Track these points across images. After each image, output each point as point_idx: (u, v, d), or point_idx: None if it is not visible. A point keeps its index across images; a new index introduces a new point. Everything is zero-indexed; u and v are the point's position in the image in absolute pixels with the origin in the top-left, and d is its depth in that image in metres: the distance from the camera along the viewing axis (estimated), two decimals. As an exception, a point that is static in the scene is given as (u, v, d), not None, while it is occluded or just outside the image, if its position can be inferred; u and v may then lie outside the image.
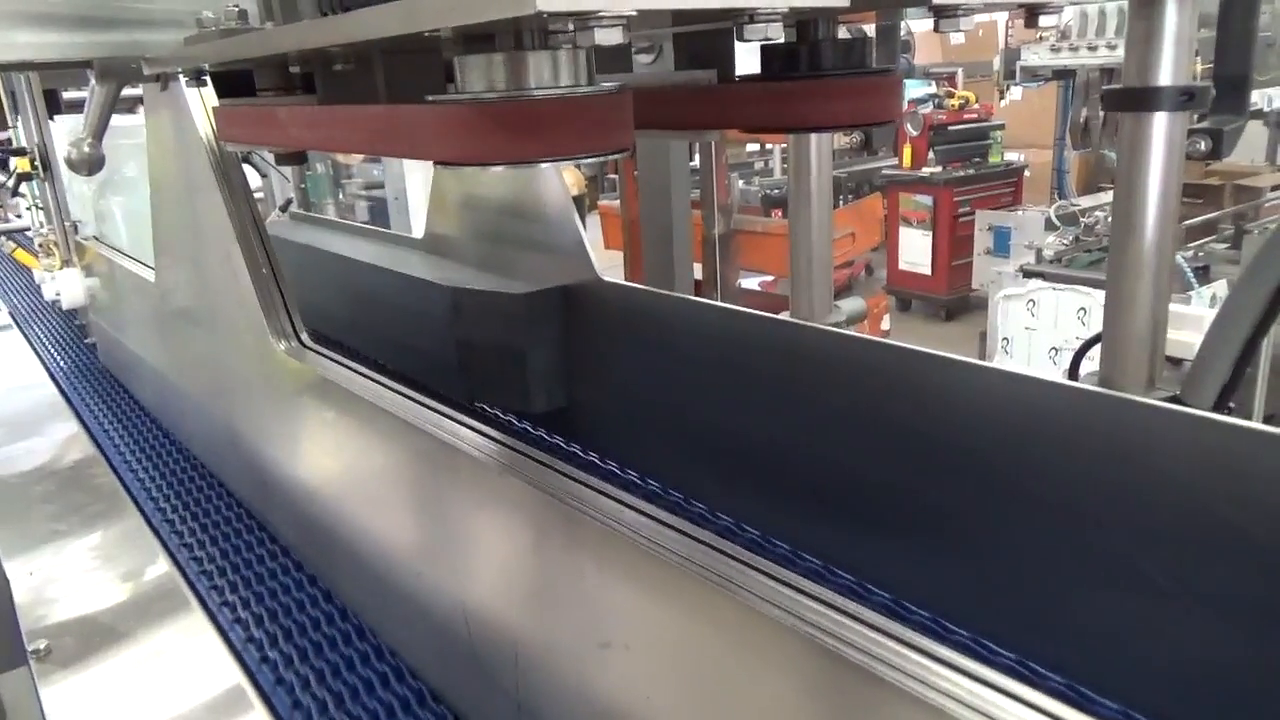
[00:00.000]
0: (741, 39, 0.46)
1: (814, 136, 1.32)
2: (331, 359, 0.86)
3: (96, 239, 1.68)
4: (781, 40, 0.58)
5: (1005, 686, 0.37)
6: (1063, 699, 0.36)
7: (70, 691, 0.83)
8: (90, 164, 0.99)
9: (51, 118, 1.49)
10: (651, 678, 0.52)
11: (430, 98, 0.53)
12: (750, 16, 0.44)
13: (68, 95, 1.93)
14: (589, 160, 0.52)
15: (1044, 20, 0.60)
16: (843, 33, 0.69)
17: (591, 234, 1.18)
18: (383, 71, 0.64)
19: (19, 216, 2.84)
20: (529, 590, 0.64)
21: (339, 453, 0.90)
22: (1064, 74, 3.94)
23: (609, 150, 0.52)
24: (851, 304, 1.34)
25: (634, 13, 0.38)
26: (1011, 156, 6.26)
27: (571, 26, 0.41)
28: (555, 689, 0.61)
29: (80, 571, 1.04)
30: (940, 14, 0.54)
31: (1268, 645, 0.61)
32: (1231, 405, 0.84)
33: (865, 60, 0.66)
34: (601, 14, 0.38)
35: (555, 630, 0.61)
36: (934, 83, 6.90)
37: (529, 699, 0.63)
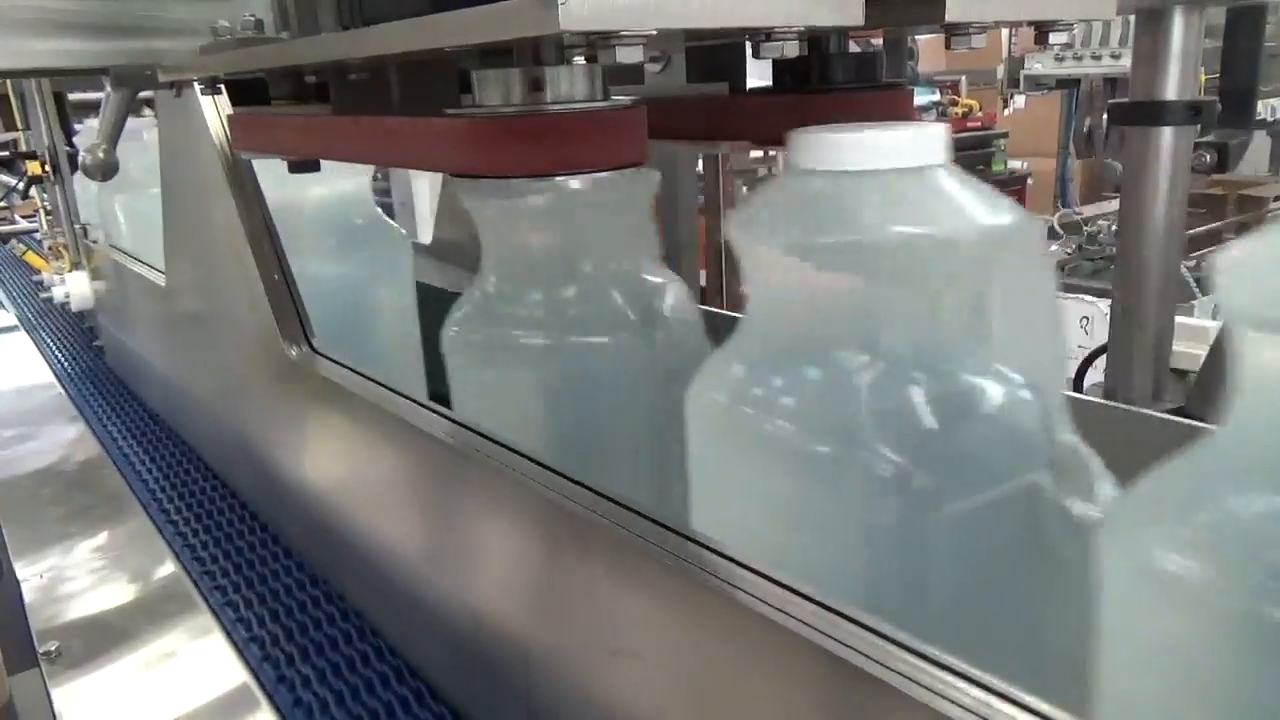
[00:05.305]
0: (758, 56, 0.47)
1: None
2: (343, 365, 0.87)
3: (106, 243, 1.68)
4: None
5: (1017, 698, 0.37)
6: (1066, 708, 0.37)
7: (82, 693, 0.83)
8: (104, 170, 1.00)
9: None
10: (664, 687, 0.53)
11: (448, 110, 0.54)
12: (767, 35, 0.45)
13: (73, 96, 1.95)
14: (604, 173, 0.52)
15: (1054, 37, 0.61)
16: (853, 46, 0.69)
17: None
18: (398, 82, 0.65)
19: (28, 218, 2.85)
20: (540, 596, 0.64)
21: (350, 458, 0.90)
22: (1068, 83, 3.95)
23: (624, 163, 0.53)
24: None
25: (655, 32, 0.39)
26: (1015, 165, 6.26)
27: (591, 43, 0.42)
28: (567, 696, 0.61)
29: (88, 573, 1.04)
30: (951, 31, 0.55)
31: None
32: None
33: (877, 74, 0.67)
34: (623, 33, 0.39)
35: (567, 637, 0.61)
36: (937, 90, 6.91)
37: (540, 705, 0.64)
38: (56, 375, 1.76)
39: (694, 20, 0.40)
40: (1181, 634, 0.37)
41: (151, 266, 1.36)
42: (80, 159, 1.04)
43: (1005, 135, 6.24)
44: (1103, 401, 0.78)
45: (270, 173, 0.92)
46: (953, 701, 0.37)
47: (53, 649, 0.89)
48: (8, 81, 2.12)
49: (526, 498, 0.62)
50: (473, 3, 0.44)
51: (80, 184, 1.75)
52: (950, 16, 0.49)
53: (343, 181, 1.13)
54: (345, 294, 1.11)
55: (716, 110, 0.72)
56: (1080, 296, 3.50)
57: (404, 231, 1.21)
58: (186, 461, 1.31)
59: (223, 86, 0.91)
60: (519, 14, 0.40)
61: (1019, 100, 5.64)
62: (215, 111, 0.95)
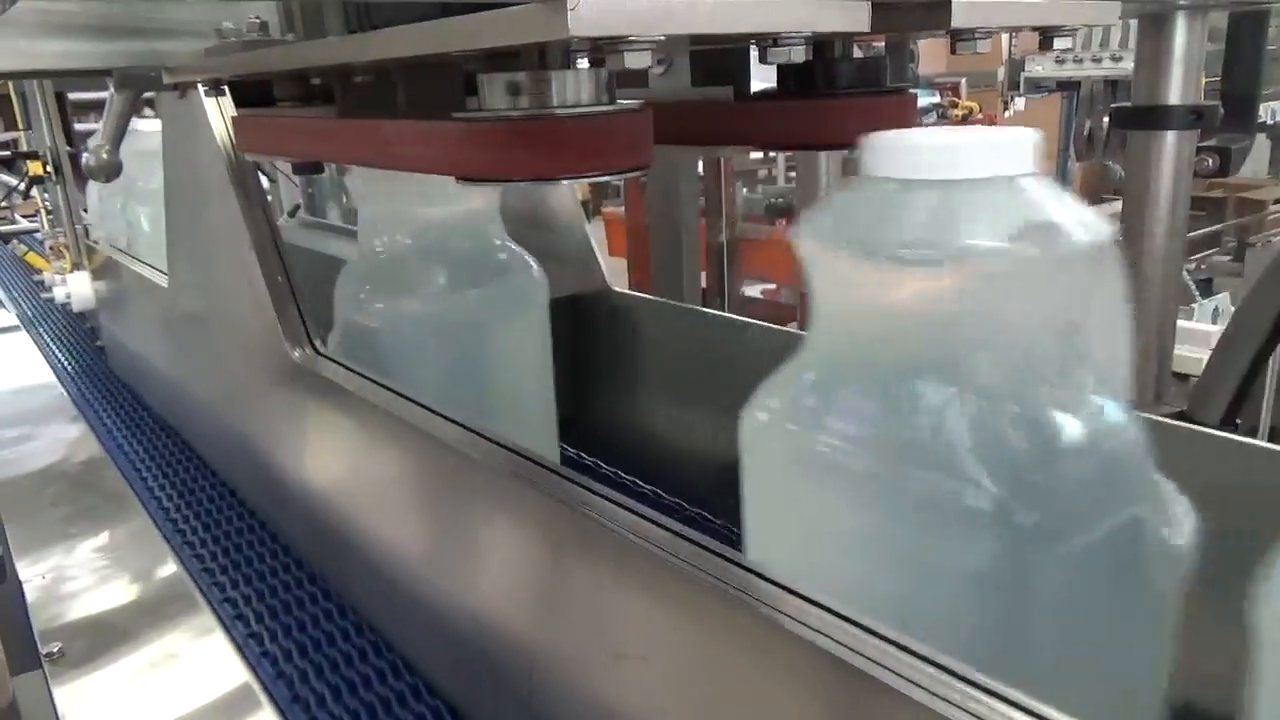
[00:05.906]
0: (765, 62, 0.47)
1: (823, 149, 1.33)
2: (346, 367, 0.87)
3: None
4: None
5: (1018, 700, 0.38)
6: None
7: (84, 693, 0.83)
8: (108, 171, 1.00)
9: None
10: (667, 689, 0.53)
11: (455, 114, 0.54)
12: (774, 40, 0.45)
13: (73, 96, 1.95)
14: (610, 178, 0.53)
15: (1057, 42, 0.61)
16: (857, 51, 0.70)
17: (594, 240, 1.19)
18: (403, 85, 0.65)
19: (29, 218, 2.85)
20: (544, 599, 0.64)
21: (352, 460, 0.90)
22: (1068, 85, 3.95)
23: (630, 168, 0.53)
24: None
25: (663, 38, 0.39)
26: (1015, 166, 6.26)
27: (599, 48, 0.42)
28: (570, 699, 0.61)
29: (91, 574, 1.05)
30: (956, 37, 0.55)
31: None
32: (1238, 421, 0.85)
33: (880, 78, 0.67)
34: (631, 39, 0.39)
35: (570, 640, 0.61)
36: (938, 92, 6.91)
37: (543, 709, 0.64)
38: (58, 375, 1.76)
39: (702, 26, 0.40)
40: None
41: (154, 268, 1.36)
42: (84, 160, 1.04)
43: (1005, 137, 6.25)
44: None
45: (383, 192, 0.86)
46: (955, 705, 0.37)
47: (55, 650, 0.89)
48: (9, 81, 2.13)
49: (530, 500, 0.62)
50: (481, 7, 0.44)
51: (94, 191, 1.75)
52: (956, 22, 0.49)
53: (474, 197, 0.98)
54: (472, 339, 0.99)
55: (721, 114, 0.72)
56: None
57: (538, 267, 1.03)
58: (188, 462, 1.32)
59: (227, 88, 0.91)
60: (528, 19, 0.40)
61: (1019, 102, 5.65)
62: (219, 113, 0.95)
